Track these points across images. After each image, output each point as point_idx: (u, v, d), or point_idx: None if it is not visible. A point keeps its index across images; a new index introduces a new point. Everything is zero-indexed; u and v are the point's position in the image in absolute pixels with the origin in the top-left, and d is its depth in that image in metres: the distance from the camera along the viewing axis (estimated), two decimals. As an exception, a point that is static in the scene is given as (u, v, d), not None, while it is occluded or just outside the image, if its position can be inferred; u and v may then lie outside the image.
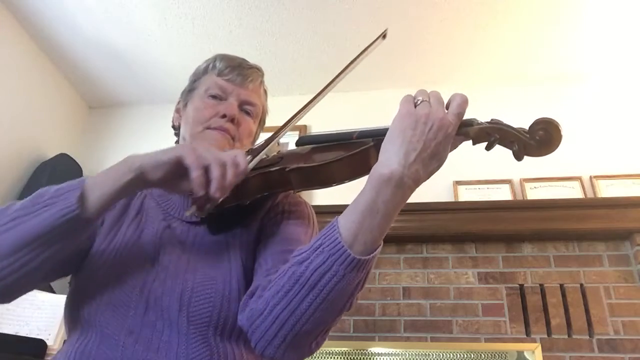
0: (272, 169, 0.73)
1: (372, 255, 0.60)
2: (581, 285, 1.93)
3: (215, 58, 0.94)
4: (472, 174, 2.26)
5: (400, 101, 0.63)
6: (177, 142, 0.96)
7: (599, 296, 1.90)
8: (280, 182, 0.74)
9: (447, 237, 2.08)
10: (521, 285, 1.98)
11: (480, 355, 1.94)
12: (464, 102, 0.61)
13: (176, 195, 0.85)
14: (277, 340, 0.63)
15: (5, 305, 1.78)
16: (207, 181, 0.64)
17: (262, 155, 0.76)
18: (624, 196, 2.05)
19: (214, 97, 0.89)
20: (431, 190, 2.18)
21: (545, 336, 1.86)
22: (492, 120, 0.64)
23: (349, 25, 2.27)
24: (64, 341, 0.76)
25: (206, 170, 0.64)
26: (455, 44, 2.35)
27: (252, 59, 0.96)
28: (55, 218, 0.64)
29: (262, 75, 0.96)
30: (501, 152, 0.70)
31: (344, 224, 0.60)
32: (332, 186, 0.71)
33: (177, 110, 0.97)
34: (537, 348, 1.83)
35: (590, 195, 2.17)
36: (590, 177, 2.21)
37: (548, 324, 1.88)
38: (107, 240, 0.78)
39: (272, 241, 0.77)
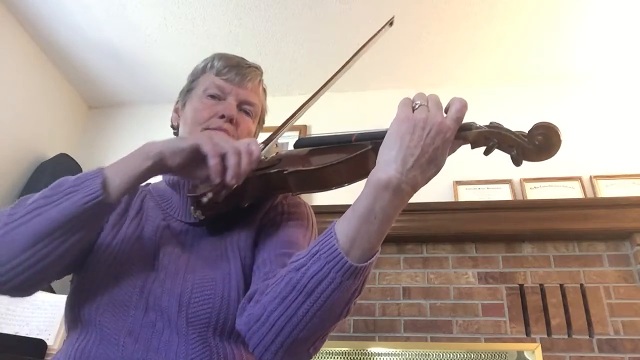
0: (270, 171, 0.73)
1: (369, 261, 0.59)
2: (581, 285, 1.93)
3: (214, 57, 0.93)
4: (472, 174, 2.26)
5: (398, 105, 0.62)
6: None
7: (599, 296, 1.90)
8: (278, 185, 0.74)
9: (447, 237, 2.08)
10: (521, 285, 1.98)
11: (480, 355, 1.94)
12: (463, 107, 0.60)
13: (176, 197, 0.85)
14: (274, 347, 0.63)
15: (6, 305, 1.78)
16: (224, 169, 0.66)
17: (273, 143, 0.77)
18: (624, 196, 2.05)
19: (212, 97, 0.89)
20: (431, 190, 2.16)
21: (545, 336, 1.86)
22: (491, 123, 0.64)
23: (349, 25, 2.27)
24: (64, 340, 0.76)
25: (222, 158, 0.66)
26: (455, 43, 2.35)
27: (252, 59, 0.96)
28: (80, 204, 0.65)
29: (261, 74, 0.95)
30: (501, 152, 0.70)
31: (341, 230, 0.60)
32: (330, 189, 0.70)
33: (176, 110, 0.96)
34: (537, 348, 1.83)
35: (590, 195, 2.17)
36: (590, 177, 2.21)
37: (548, 324, 1.88)
38: (110, 237, 0.78)
39: (270, 243, 0.77)
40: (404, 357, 1.97)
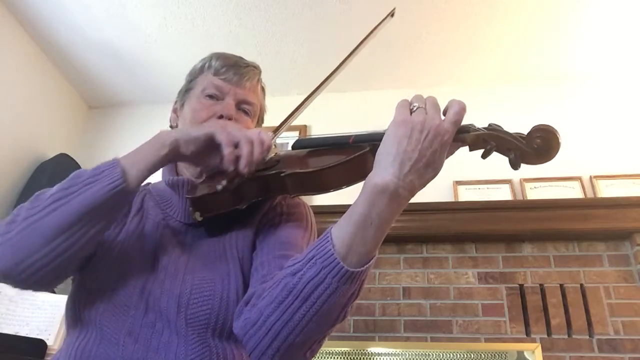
0: (268, 173, 0.73)
1: (365, 266, 0.59)
2: (581, 285, 1.93)
3: (211, 57, 0.93)
4: (472, 174, 2.26)
5: (396, 107, 0.61)
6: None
7: (599, 296, 1.90)
8: (276, 187, 0.73)
9: (447, 237, 2.08)
10: (521, 285, 1.98)
11: (480, 355, 1.94)
12: (461, 110, 0.59)
13: (175, 197, 0.85)
14: (270, 351, 0.63)
15: (6, 305, 1.78)
16: (237, 157, 0.68)
17: (282, 131, 0.79)
18: (624, 196, 2.05)
19: (210, 97, 0.88)
20: (431, 191, 2.16)
21: (545, 336, 1.86)
22: (489, 125, 0.63)
23: (349, 25, 2.27)
24: (64, 339, 0.76)
25: (235, 146, 0.68)
26: (455, 43, 2.35)
27: (252, 59, 0.96)
28: (102, 193, 0.66)
29: (259, 73, 0.95)
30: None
31: (338, 235, 0.59)
32: (329, 192, 0.69)
33: (175, 111, 0.96)
34: (537, 348, 1.83)
35: (590, 195, 2.17)
36: (590, 177, 2.21)
37: (548, 324, 1.88)
38: (114, 235, 0.78)
39: (269, 245, 0.77)
40: (404, 357, 1.98)
